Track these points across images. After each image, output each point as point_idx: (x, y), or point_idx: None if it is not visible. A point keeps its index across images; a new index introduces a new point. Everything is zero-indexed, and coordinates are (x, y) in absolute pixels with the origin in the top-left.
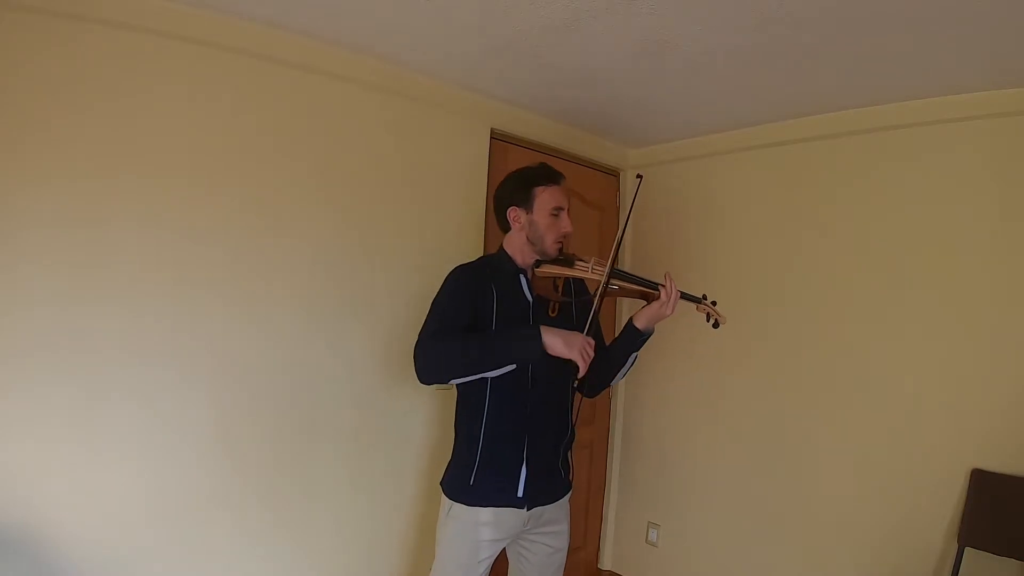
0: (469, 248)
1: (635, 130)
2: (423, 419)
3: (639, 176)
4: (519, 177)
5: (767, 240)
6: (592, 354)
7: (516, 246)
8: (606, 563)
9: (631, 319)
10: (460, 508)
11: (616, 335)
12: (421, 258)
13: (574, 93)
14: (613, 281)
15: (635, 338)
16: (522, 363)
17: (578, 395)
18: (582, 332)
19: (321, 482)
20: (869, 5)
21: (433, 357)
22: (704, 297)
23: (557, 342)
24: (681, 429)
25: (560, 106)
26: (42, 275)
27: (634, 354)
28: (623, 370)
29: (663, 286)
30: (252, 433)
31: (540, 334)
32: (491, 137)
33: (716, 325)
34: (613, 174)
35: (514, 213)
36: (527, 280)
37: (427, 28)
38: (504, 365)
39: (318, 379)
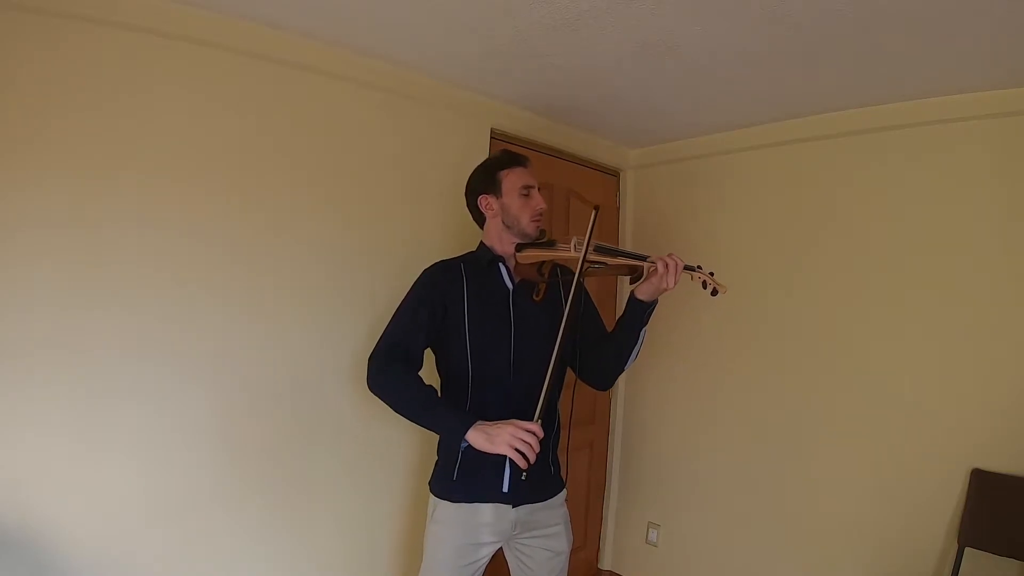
0: (469, 248)
1: (635, 130)
2: None
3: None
4: (483, 167)
5: (767, 240)
6: (529, 438)
7: (494, 235)
8: (606, 563)
9: (632, 293)
10: (444, 508)
11: (618, 316)
12: (420, 258)
13: (574, 93)
14: (598, 258)
15: (642, 311)
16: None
17: (569, 388)
18: (566, 310)
19: (321, 481)
20: (869, 5)
21: (380, 382)
22: (699, 267)
23: (480, 439)
24: (681, 430)
25: (560, 106)
26: (42, 274)
27: (643, 329)
28: (635, 350)
29: (661, 258)
30: (252, 432)
31: (467, 429)
32: (491, 137)
33: (715, 293)
34: (613, 174)
35: (485, 201)
36: (507, 268)
37: (427, 28)
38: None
39: (318, 378)
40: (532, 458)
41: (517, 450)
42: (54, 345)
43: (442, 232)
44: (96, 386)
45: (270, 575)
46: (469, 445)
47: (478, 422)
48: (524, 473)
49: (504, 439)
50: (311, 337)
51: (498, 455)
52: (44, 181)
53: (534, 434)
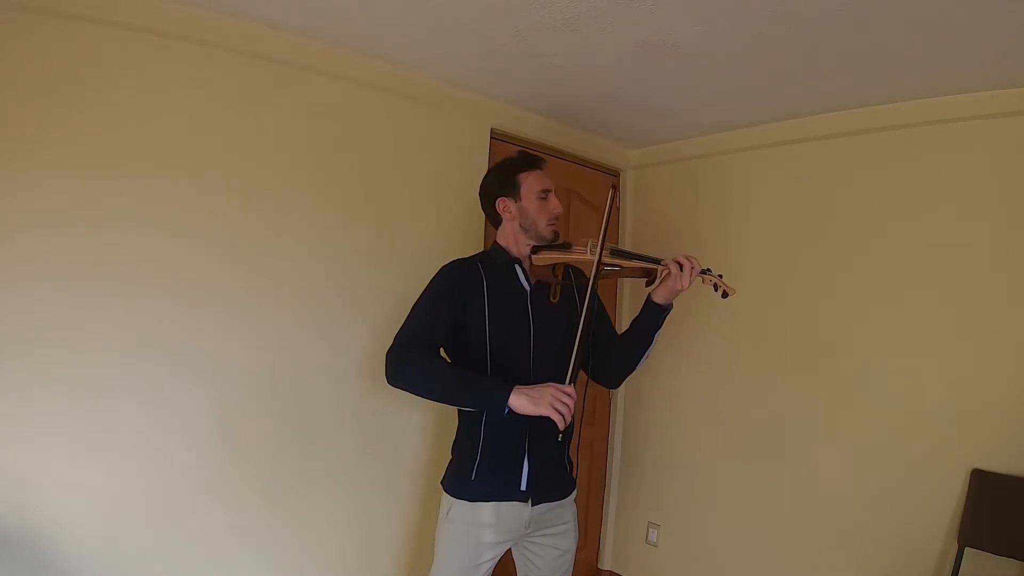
0: (469, 248)
1: (635, 130)
2: (423, 419)
3: (613, 187)
4: (501, 168)
5: (767, 241)
6: (568, 400)
7: (509, 237)
8: (606, 563)
9: (649, 297)
10: (460, 508)
11: (633, 317)
12: (420, 258)
13: (574, 93)
14: (612, 261)
15: (658, 314)
16: (486, 412)
17: (580, 387)
18: (581, 314)
19: (321, 481)
20: (869, 5)
21: (404, 371)
22: (709, 270)
23: (522, 401)
24: (681, 429)
25: (560, 106)
26: (41, 274)
27: (657, 332)
28: (647, 351)
29: (676, 259)
30: (252, 432)
31: (508, 394)
32: (491, 137)
33: (725, 295)
34: (613, 174)
35: (503, 203)
36: (523, 269)
37: (427, 28)
38: (469, 408)
39: (318, 379)
40: (568, 420)
41: (558, 412)
42: (54, 345)
43: (442, 231)
44: (96, 386)
45: (270, 575)
46: (510, 410)
47: (517, 386)
48: (560, 435)
49: (547, 400)
50: (311, 337)
51: (515, 452)
52: (44, 181)
53: (571, 396)
